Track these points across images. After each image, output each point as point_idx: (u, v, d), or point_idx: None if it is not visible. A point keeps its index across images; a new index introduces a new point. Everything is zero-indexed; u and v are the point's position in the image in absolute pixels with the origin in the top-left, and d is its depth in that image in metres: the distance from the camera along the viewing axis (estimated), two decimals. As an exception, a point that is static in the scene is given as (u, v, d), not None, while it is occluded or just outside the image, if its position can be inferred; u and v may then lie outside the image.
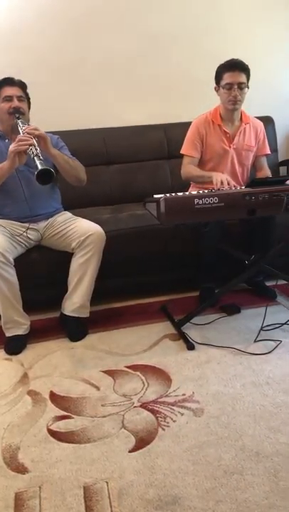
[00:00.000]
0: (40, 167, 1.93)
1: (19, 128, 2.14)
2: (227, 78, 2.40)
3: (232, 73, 2.39)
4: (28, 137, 2.05)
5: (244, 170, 2.64)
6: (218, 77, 2.46)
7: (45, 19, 2.99)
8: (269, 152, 2.69)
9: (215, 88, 2.50)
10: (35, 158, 1.99)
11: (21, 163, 2.09)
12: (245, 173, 2.65)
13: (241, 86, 2.41)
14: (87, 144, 2.90)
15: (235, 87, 2.39)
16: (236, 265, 2.39)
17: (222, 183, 2.23)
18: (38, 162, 1.96)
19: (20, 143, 2.04)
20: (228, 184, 2.22)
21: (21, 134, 2.10)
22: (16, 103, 2.22)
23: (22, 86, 2.29)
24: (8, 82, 2.27)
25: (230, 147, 2.55)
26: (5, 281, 2.05)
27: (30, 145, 2.03)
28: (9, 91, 2.24)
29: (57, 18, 3.01)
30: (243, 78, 2.40)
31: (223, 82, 2.42)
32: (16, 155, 2.05)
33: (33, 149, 2.02)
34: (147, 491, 1.33)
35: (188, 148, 2.57)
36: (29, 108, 2.34)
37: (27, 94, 2.33)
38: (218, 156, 2.55)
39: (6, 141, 2.27)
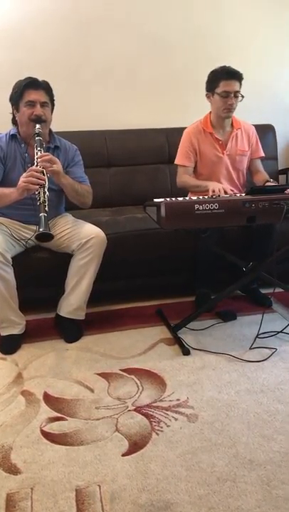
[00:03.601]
0: (41, 229, 1.88)
1: (35, 148, 2.10)
2: (224, 86, 2.40)
3: (230, 81, 2.40)
4: (39, 175, 1.99)
5: (239, 175, 2.65)
6: (212, 85, 2.46)
7: (49, 20, 3.01)
8: (263, 155, 2.70)
9: (207, 95, 2.51)
10: (41, 206, 1.95)
11: (29, 194, 2.04)
12: (241, 178, 2.67)
13: (237, 94, 2.43)
14: (89, 145, 2.89)
15: (232, 95, 2.41)
16: (233, 271, 2.40)
17: (220, 191, 2.23)
18: (41, 217, 1.91)
19: (32, 179, 1.98)
20: (225, 192, 2.22)
21: (35, 159, 2.06)
22: (38, 110, 2.15)
23: (47, 89, 2.20)
24: (33, 85, 2.16)
25: (223, 154, 2.56)
26: (2, 280, 2.04)
27: (40, 186, 1.98)
28: (33, 95, 2.15)
29: (60, 20, 3.03)
30: (238, 87, 2.43)
31: (219, 90, 2.42)
32: (25, 191, 2.01)
33: (41, 193, 1.97)
34: (140, 496, 1.33)
35: (181, 158, 2.59)
36: (53, 109, 2.27)
37: (52, 97, 2.24)
38: (212, 164, 2.57)
39: (22, 145, 2.24)
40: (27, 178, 1.99)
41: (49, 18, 3.01)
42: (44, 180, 2.00)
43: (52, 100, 2.26)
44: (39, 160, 2.05)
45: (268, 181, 2.55)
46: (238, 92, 2.42)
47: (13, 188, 2.05)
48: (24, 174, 2.02)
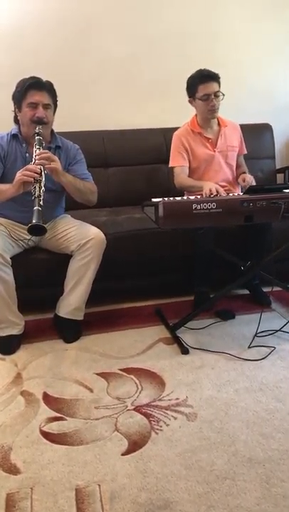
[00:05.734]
0: (33, 221, 1.87)
1: (34, 147, 2.09)
2: (203, 90, 2.48)
3: (206, 84, 2.47)
4: (36, 169, 1.99)
5: (232, 170, 2.70)
6: (192, 90, 2.53)
7: (47, 22, 3.02)
8: (246, 152, 2.77)
9: (189, 101, 2.57)
10: (35, 199, 1.94)
11: (25, 190, 2.03)
12: (234, 173, 2.72)
13: (217, 94, 2.49)
14: (87, 145, 2.88)
15: (212, 96, 2.47)
16: (232, 269, 2.40)
17: (210, 191, 2.24)
18: (35, 210, 1.90)
19: (28, 173, 1.98)
20: (218, 192, 2.23)
21: (34, 156, 2.06)
22: (40, 112, 2.14)
23: (50, 91, 2.20)
24: (37, 85, 2.15)
25: (214, 151, 2.61)
26: (1, 281, 2.05)
27: (36, 181, 1.97)
28: (36, 97, 2.14)
29: (58, 21, 3.04)
30: (217, 87, 2.49)
31: (199, 94, 2.49)
32: (22, 184, 2.01)
33: (37, 188, 1.96)
34: (139, 495, 1.33)
35: (175, 159, 2.64)
36: (55, 110, 2.26)
37: (55, 98, 2.23)
38: (205, 162, 2.62)
39: (24, 145, 2.24)
40: (23, 172, 2.00)
41: (47, 20, 3.01)
42: (40, 174, 1.99)
43: (55, 102, 2.25)
44: (37, 157, 2.05)
45: (244, 172, 2.65)
46: (217, 91, 2.48)
47: (9, 185, 2.06)
48: (20, 170, 2.02)
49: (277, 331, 2.23)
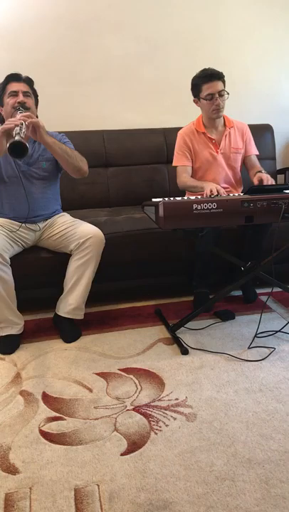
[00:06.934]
0: (15, 138, 1.88)
1: (17, 115, 2.10)
2: (207, 89, 2.45)
3: (211, 83, 2.44)
4: (16, 120, 2.01)
5: (235, 172, 2.68)
6: (196, 90, 2.51)
7: (47, 21, 3.02)
8: (257, 152, 2.72)
9: (194, 101, 2.55)
10: (16, 135, 1.92)
11: (9, 138, 2.00)
12: (237, 175, 2.70)
13: (222, 93, 2.47)
14: (86, 145, 2.90)
15: (217, 96, 2.45)
16: (231, 271, 2.40)
17: (211, 191, 2.23)
18: (15, 135, 1.90)
19: (9, 122, 2.00)
20: (218, 193, 2.23)
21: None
22: (21, 98, 2.20)
23: (29, 82, 2.27)
24: (15, 77, 2.24)
25: (217, 153, 2.60)
26: (1, 281, 2.04)
27: (17, 125, 1.97)
28: (15, 86, 2.21)
29: (58, 21, 3.03)
30: (221, 86, 2.46)
31: (203, 94, 2.47)
32: (4, 135, 2.00)
33: (17, 128, 1.96)
34: (138, 495, 1.32)
35: (179, 158, 2.63)
36: (37, 105, 2.32)
37: (34, 91, 2.30)
38: (207, 163, 2.60)
39: None
40: (4, 123, 2.02)
41: (46, 19, 3.01)
42: (20, 123, 1.98)
43: (35, 94, 2.30)
44: (19, 115, 2.06)
45: (258, 171, 2.55)
46: (222, 91, 2.46)
47: None
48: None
49: (277, 331, 2.23)
